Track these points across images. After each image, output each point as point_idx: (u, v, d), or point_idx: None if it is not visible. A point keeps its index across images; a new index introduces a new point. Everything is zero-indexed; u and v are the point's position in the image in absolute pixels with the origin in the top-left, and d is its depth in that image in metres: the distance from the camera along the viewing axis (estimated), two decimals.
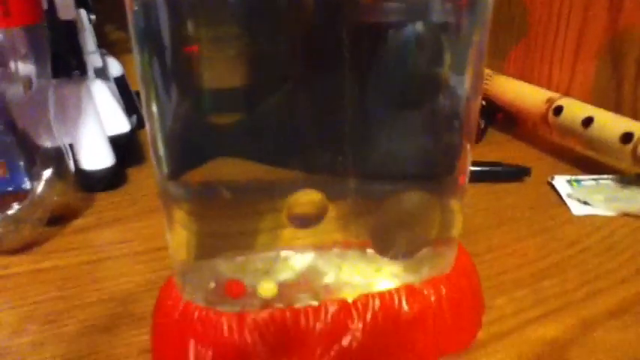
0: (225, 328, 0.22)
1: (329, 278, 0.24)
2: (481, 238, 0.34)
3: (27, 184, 0.36)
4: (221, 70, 0.21)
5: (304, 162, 0.22)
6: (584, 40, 0.47)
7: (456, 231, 0.25)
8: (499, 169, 0.41)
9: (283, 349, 0.22)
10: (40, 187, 0.35)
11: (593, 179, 0.41)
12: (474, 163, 0.41)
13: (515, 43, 0.53)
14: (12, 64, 0.33)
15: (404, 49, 0.21)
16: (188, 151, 0.22)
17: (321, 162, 0.22)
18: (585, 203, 0.38)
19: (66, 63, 0.40)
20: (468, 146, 0.24)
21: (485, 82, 0.51)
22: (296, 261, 0.24)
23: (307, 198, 0.22)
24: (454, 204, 0.25)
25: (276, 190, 0.22)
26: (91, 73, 0.41)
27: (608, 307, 0.28)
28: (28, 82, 0.34)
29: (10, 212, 0.34)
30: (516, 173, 0.41)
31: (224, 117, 0.21)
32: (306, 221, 0.23)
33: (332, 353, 0.23)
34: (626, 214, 0.36)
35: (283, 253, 0.24)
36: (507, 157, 0.43)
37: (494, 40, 0.55)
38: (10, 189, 0.36)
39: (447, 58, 0.22)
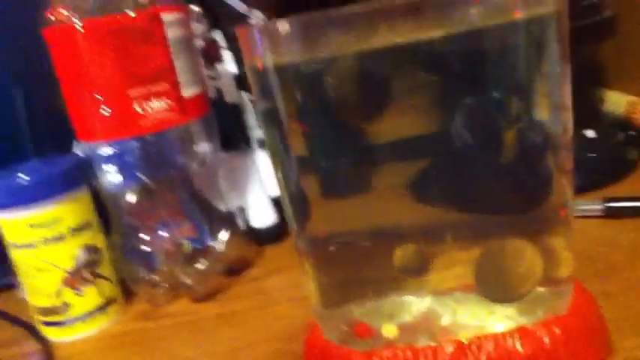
0: None
1: (445, 320, 0.27)
2: (617, 277, 0.34)
3: (210, 242, 0.44)
4: None
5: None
6: None
7: (565, 270, 0.27)
8: (637, 204, 0.40)
9: None
10: (220, 244, 0.43)
11: None
12: (614, 199, 0.40)
13: None
14: (192, 146, 0.42)
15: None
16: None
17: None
18: None
19: (234, 138, 0.48)
20: (564, 179, 0.26)
21: (630, 109, 0.49)
22: (415, 305, 0.28)
23: (403, 253, 0.26)
24: (558, 242, 0.26)
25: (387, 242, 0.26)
26: (254, 144, 0.49)
27: None
28: (202, 159, 0.43)
29: (199, 266, 0.42)
30: None
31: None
32: (411, 272, 0.26)
33: None
34: None
35: (405, 299, 0.28)
36: None
37: (633, 64, 0.53)
38: (199, 247, 0.44)
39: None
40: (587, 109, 0.49)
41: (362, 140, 0.25)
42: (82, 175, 0.40)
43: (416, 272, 0.26)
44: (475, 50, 0.24)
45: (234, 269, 0.44)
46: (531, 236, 0.26)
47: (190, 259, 0.43)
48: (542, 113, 0.25)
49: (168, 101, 0.38)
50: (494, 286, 0.26)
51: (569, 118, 0.26)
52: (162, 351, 0.36)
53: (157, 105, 0.38)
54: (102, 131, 0.39)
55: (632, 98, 0.51)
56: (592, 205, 0.41)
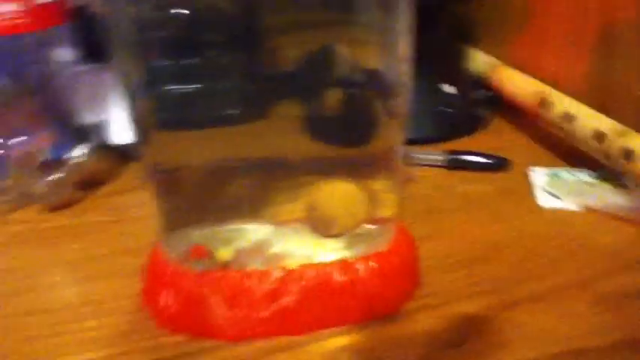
0: (189, 281, 0.28)
1: (277, 248, 0.30)
2: (437, 221, 0.38)
3: (70, 154, 0.43)
4: None
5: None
6: (578, 30, 0.48)
7: (388, 211, 0.30)
8: (477, 158, 0.44)
9: (232, 302, 0.28)
10: (77, 157, 0.43)
11: (572, 173, 0.44)
12: (455, 152, 0.44)
13: (518, 32, 0.55)
14: (54, 55, 0.41)
15: None
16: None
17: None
18: (555, 196, 0.41)
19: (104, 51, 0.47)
20: (394, 125, 0.28)
21: (490, 71, 0.53)
22: (253, 233, 0.30)
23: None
24: (384, 184, 0.29)
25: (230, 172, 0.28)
26: None
27: (532, 292, 0.32)
28: (62, 67, 0.41)
29: (53, 177, 0.42)
30: (493, 164, 0.44)
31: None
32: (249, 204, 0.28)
33: (272, 309, 0.28)
34: (590, 209, 0.39)
35: (245, 226, 0.30)
36: (501, 147, 0.46)
37: (499, 27, 0.57)
38: (54, 157, 0.43)
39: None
40: (451, 65, 0.52)
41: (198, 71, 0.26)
42: None
43: (253, 209, 0.28)
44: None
45: (90, 183, 0.43)
46: (361, 176, 0.29)
47: (45, 168, 0.42)
48: (379, 62, 0.27)
49: (20, 5, 0.36)
50: (321, 222, 0.29)
51: (406, 68, 0.27)
52: (3, 255, 0.36)
53: (6, 9, 0.36)
54: None
55: (493, 60, 0.55)
56: (436, 155, 0.45)
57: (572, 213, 0.39)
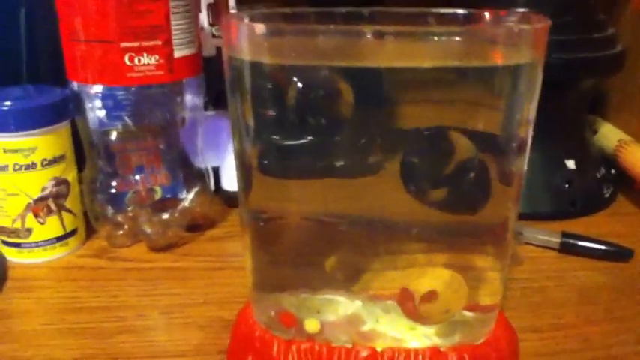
0: (275, 349, 0.28)
1: (367, 326, 0.28)
2: (550, 314, 0.35)
3: (181, 195, 0.45)
4: None
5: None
6: None
7: (491, 298, 0.28)
8: (597, 245, 0.40)
9: None
10: (188, 199, 0.45)
11: None
12: (573, 236, 0.41)
13: None
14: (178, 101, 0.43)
15: None
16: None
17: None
18: None
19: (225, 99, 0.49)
20: (509, 193, 0.26)
21: (619, 148, 0.49)
22: (343, 306, 0.29)
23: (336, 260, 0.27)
24: (489, 265, 0.27)
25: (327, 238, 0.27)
26: None
27: None
28: (186, 114, 0.44)
29: (164, 215, 0.44)
30: (615, 253, 0.40)
31: None
32: (340, 280, 0.27)
33: None
34: None
35: (335, 298, 0.29)
36: (624, 233, 0.43)
37: (633, 99, 0.53)
38: (169, 197, 0.45)
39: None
40: (575, 138, 0.49)
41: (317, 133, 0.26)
42: (67, 109, 0.41)
43: (345, 280, 0.27)
44: (451, 85, 0.24)
45: (197, 226, 0.45)
46: (464, 253, 0.27)
47: (157, 208, 0.44)
48: (498, 126, 0.25)
49: (159, 59, 0.39)
50: (426, 310, 0.27)
51: (527, 134, 0.26)
52: (107, 291, 0.38)
53: (146, 60, 0.38)
54: (90, 75, 0.40)
55: (623, 136, 0.51)
56: (549, 236, 0.42)
57: None
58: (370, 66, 0.24)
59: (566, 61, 0.42)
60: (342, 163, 0.26)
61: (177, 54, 0.40)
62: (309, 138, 0.25)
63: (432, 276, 0.27)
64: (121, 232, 0.43)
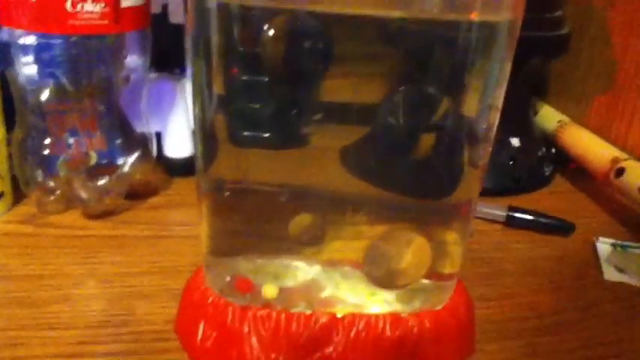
0: (230, 316, 0.27)
1: (326, 292, 0.28)
2: (499, 283, 0.36)
3: (119, 161, 0.42)
4: None
5: None
6: None
7: (451, 267, 0.28)
8: (542, 220, 0.41)
9: (273, 345, 0.26)
10: (127, 165, 0.42)
11: None
12: (518, 210, 0.42)
13: (600, 94, 0.53)
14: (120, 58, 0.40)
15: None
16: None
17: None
18: (621, 270, 0.38)
19: (170, 61, 0.46)
20: (474, 177, 0.26)
21: (559, 129, 0.51)
22: (302, 272, 0.28)
23: (300, 221, 0.26)
24: (453, 238, 0.27)
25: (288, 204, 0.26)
26: (188, 72, 0.47)
27: None
28: (129, 74, 0.41)
29: (100, 182, 0.41)
30: (558, 228, 0.41)
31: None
32: (304, 243, 0.26)
33: (314, 357, 0.26)
34: None
35: (294, 263, 0.28)
36: (565, 209, 0.44)
37: (581, 85, 0.55)
38: (105, 162, 0.42)
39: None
40: (519, 117, 0.50)
41: (286, 95, 0.25)
42: None
43: (309, 243, 0.26)
44: (425, 39, 0.24)
45: (136, 193, 0.42)
46: (429, 227, 0.27)
47: (93, 173, 0.41)
48: (470, 109, 0.25)
49: (104, 6, 0.36)
50: (379, 271, 0.27)
51: (495, 119, 0.26)
52: (39, 260, 0.35)
53: (90, 7, 0.35)
54: (26, 20, 0.36)
55: (563, 117, 0.53)
56: (495, 210, 0.42)
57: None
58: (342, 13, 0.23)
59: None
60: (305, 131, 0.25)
61: (124, 3, 0.36)
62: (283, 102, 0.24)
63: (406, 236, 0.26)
64: (53, 197, 0.40)
